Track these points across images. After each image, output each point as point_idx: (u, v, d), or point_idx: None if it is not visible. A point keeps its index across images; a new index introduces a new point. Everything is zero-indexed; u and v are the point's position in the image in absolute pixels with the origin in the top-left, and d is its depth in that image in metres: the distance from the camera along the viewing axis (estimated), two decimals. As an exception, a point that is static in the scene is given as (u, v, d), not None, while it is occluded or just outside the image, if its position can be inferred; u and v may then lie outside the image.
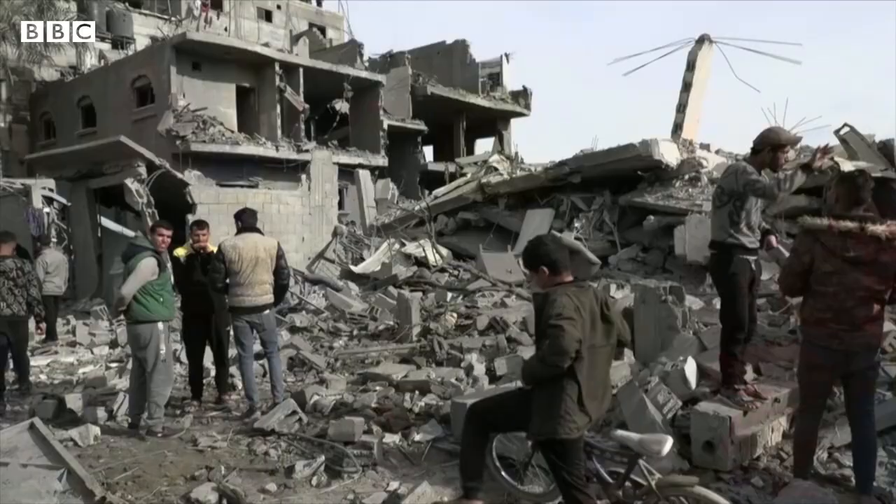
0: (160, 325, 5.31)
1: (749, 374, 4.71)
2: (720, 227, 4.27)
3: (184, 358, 6.73)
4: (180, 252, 6.11)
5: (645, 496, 3.14)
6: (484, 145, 34.52)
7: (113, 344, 9.51)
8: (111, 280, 12.69)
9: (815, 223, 3.48)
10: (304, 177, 17.79)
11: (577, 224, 13.66)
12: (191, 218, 12.89)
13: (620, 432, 3.19)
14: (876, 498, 3.49)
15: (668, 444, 3.04)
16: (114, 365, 8.14)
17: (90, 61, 25.77)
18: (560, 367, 2.74)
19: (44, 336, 8.95)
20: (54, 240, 13.86)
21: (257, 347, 6.17)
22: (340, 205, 21.10)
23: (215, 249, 5.76)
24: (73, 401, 5.88)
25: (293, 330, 9.25)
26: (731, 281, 4.24)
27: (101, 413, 5.72)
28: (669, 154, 13.34)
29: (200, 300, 5.99)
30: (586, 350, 2.81)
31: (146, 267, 5.23)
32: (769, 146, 4.18)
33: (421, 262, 13.49)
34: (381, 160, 25.35)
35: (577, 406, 2.82)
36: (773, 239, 4.43)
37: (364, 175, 21.74)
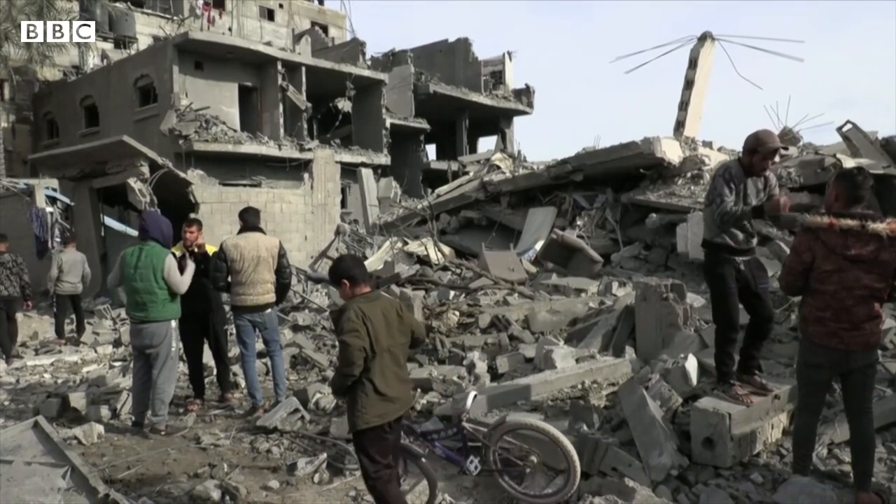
0: (173, 323, 5.45)
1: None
2: (708, 226, 4.27)
3: (184, 356, 6.76)
4: (175, 251, 6.13)
5: (483, 454, 3.53)
6: (486, 143, 34.60)
7: (116, 343, 9.55)
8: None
9: (816, 221, 3.47)
10: (306, 175, 17.82)
11: (579, 222, 13.66)
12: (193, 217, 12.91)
13: (438, 410, 3.62)
14: (874, 494, 3.50)
15: (471, 395, 3.57)
16: (117, 364, 8.18)
17: (93, 61, 25.83)
18: (353, 374, 3.09)
19: (31, 308, 10.39)
20: (58, 240, 13.89)
21: (260, 346, 6.20)
22: (343, 203, 21.14)
23: (214, 249, 5.79)
24: (77, 399, 5.91)
25: (296, 328, 9.27)
26: (718, 281, 4.24)
27: (105, 411, 5.75)
28: (671, 152, 13.31)
29: (197, 298, 5.96)
30: (379, 351, 3.16)
31: (173, 263, 5.42)
32: (746, 150, 4.18)
33: (423, 261, 13.48)
34: (383, 159, 25.40)
35: (372, 400, 3.14)
36: (782, 200, 3.89)
37: (366, 173, 21.76)
